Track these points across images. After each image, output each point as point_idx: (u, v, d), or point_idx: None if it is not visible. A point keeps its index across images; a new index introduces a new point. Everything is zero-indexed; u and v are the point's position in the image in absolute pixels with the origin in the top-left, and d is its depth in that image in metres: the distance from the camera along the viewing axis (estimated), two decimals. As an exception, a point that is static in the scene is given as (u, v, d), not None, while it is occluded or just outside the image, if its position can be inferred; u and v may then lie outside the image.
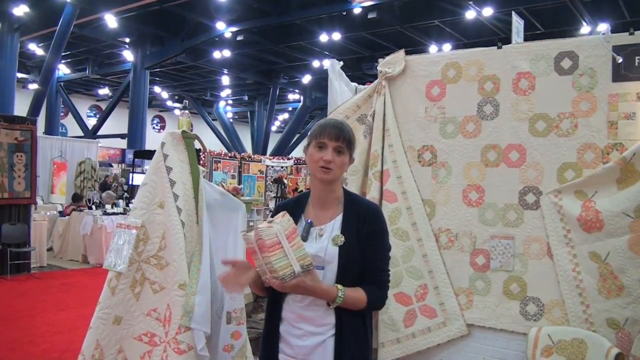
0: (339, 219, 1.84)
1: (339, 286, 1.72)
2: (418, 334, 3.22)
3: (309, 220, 1.86)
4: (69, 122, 22.99)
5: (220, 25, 13.43)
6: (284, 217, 1.72)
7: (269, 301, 1.88)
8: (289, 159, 14.81)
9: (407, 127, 3.43)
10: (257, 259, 1.68)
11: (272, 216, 1.97)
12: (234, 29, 13.53)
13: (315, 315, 1.77)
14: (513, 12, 3.49)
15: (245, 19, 13.27)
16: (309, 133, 1.88)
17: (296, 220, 1.88)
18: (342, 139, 1.79)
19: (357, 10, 11.98)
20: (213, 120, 26.50)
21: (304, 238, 1.82)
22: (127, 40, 16.21)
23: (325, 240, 1.80)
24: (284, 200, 2.15)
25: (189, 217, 2.54)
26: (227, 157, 12.54)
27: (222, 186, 2.84)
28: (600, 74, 2.87)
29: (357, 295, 1.74)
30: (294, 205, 1.95)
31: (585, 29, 11.41)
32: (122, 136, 18.79)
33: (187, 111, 3.02)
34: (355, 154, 1.92)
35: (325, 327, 1.77)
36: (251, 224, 10.97)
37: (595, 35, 3.03)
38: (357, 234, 1.79)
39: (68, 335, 5.17)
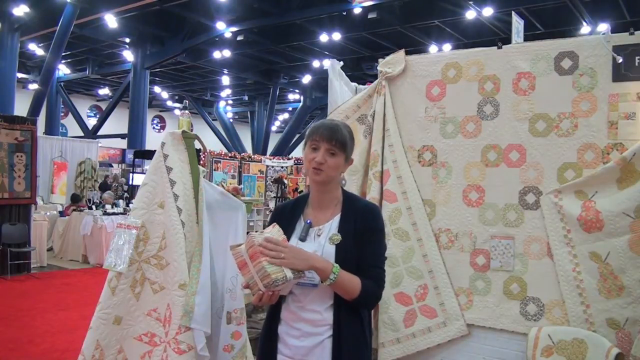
0: (336, 218, 1.85)
1: (335, 266, 1.72)
2: (418, 334, 3.22)
3: (309, 221, 1.87)
4: (69, 122, 22.99)
5: (220, 25, 13.43)
6: (274, 228, 1.76)
7: None
8: (289, 159, 14.80)
9: (407, 127, 3.43)
10: (246, 273, 1.68)
11: (272, 217, 1.98)
12: (234, 29, 13.53)
13: (313, 315, 1.78)
14: (513, 12, 3.49)
15: (245, 19, 13.27)
16: (306, 133, 1.88)
17: (295, 221, 1.90)
18: (335, 140, 1.78)
19: (357, 10, 11.98)
20: (213, 120, 26.50)
21: (303, 238, 1.84)
22: (127, 40, 16.21)
23: (323, 239, 1.81)
24: (283, 202, 2.16)
25: (189, 217, 2.54)
26: (227, 157, 12.53)
27: (222, 186, 2.84)
28: (601, 74, 2.87)
29: (352, 279, 1.73)
30: (293, 207, 1.96)
31: (585, 29, 11.41)
32: (122, 136, 18.80)
33: (187, 111, 3.02)
34: (355, 154, 1.92)
35: (323, 327, 1.77)
36: (251, 224, 10.98)
37: (595, 35, 3.03)
38: (354, 233, 1.80)
39: (68, 335, 5.17)
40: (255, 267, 1.65)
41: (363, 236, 1.80)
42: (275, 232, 1.73)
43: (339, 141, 1.78)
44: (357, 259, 1.78)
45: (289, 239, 1.84)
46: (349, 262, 1.76)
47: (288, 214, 1.94)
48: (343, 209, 1.86)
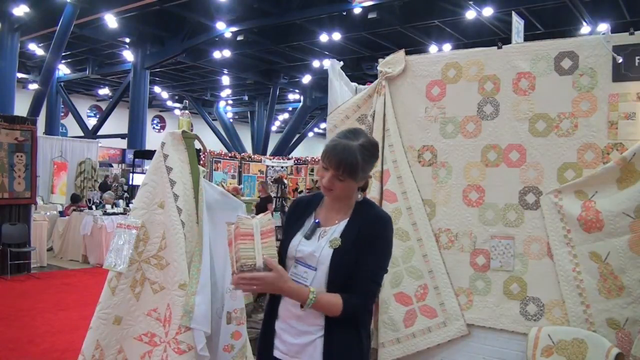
0: (343, 223, 1.83)
1: (312, 289, 1.70)
2: (418, 334, 3.22)
3: (317, 220, 1.86)
4: (69, 122, 22.98)
5: (220, 25, 13.43)
6: (265, 216, 1.75)
7: (269, 297, 1.90)
8: (289, 159, 14.80)
9: (407, 127, 3.43)
10: (230, 251, 1.71)
11: (290, 208, 2.01)
12: (234, 29, 13.53)
13: (305, 314, 1.77)
14: (513, 12, 3.49)
15: (245, 19, 13.27)
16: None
17: (306, 218, 1.90)
18: (342, 169, 1.72)
19: (357, 10, 11.98)
20: (213, 120, 26.50)
21: (308, 237, 1.83)
22: (127, 40, 16.21)
23: (324, 241, 1.80)
24: (302, 195, 2.14)
25: (189, 217, 2.54)
26: (227, 157, 12.54)
27: (222, 186, 2.84)
28: (601, 74, 2.87)
29: (332, 301, 1.71)
30: (308, 202, 1.95)
31: (585, 29, 11.41)
32: (122, 136, 18.80)
33: (187, 111, 3.01)
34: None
35: (315, 327, 1.77)
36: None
37: (595, 35, 3.03)
38: (355, 239, 1.77)
39: (68, 335, 5.17)
40: (235, 247, 1.69)
41: (365, 244, 1.77)
42: (265, 220, 1.74)
43: (346, 170, 1.72)
44: (354, 267, 1.75)
45: (294, 234, 1.85)
46: (343, 268, 1.74)
47: (302, 208, 1.94)
48: (352, 214, 1.84)
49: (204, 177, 2.69)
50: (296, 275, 1.80)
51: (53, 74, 15.32)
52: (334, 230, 1.82)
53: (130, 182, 14.11)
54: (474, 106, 3.21)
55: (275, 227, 1.80)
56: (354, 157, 1.72)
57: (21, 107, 14.23)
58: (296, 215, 1.93)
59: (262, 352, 1.88)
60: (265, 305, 1.93)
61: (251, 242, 1.68)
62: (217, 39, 14.81)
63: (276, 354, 1.82)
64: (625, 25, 7.17)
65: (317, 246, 1.80)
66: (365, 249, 1.77)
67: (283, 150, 21.86)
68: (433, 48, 13.55)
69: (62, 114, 22.31)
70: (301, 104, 22.10)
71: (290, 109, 26.44)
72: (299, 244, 1.83)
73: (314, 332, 1.76)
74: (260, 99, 24.53)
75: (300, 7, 12.51)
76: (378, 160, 3.34)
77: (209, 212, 2.60)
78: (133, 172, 14.31)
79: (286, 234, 1.92)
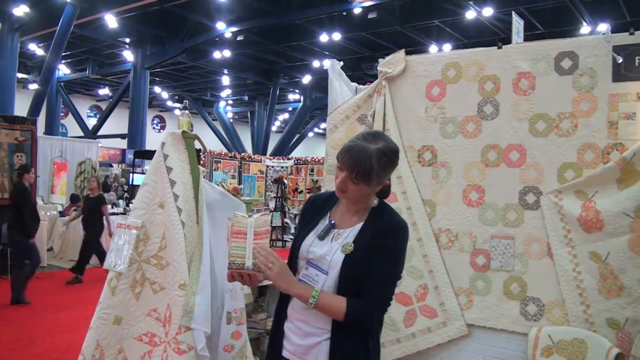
0: (358, 227, 1.79)
1: (315, 290, 1.69)
2: (418, 334, 3.22)
3: (333, 222, 1.83)
4: (69, 122, 23.00)
5: (220, 25, 13.45)
6: (262, 217, 1.75)
7: (279, 296, 1.89)
8: (289, 159, 14.81)
9: (407, 127, 3.43)
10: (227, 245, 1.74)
11: (304, 205, 1.99)
12: (234, 29, 13.55)
13: (312, 316, 1.76)
14: (513, 12, 3.49)
15: (245, 19, 13.28)
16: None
17: (321, 217, 1.88)
18: (356, 172, 1.68)
19: (357, 10, 11.99)
20: (213, 120, 26.51)
21: (321, 237, 1.81)
22: (127, 40, 16.22)
23: (337, 245, 1.77)
24: (319, 193, 2.09)
25: (189, 217, 2.54)
26: (227, 157, 12.56)
27: (222, 186, 2.84)
28: (601, 74, 2.87)
29: (335, 304, 1.68)
30: (325, 201, 1.92)
31: (585, 29, 11.42)
32: (122, 136, 18.81)
33: (187, 111, 3.01)
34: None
35: (322, 330, 1.75)
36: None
37: (595, 35, 3.03)
38: (368, 247, 1.73)
39: (68, 335, 5.17)
40: (228, 244, 1.71)
41: (377, 252, 1.72)
42: (261, 220, 1.73)
43: (359, 174, 1.68)
44: (364, 274, 1.71)
45: (307, 234, 1.84)
46: (354, 274, 1.71)
47: (318, 206, 1.91)
48: (367, 219, 1.79)
49: (204, 177, 2.69)
50: (307, 277, 1.77)
51: (53, 74, 15.33)
52: (348, 234, 1.78)
53: (131, 182, 14.12)
54: (474, 106, 3.21)
55: (274, 227, 1.81)
56: (369, 161, 1.67)
57: (21, 107, 14.24)
58: (311, 213, 1.90)
59: (271, 352, 1.88)
60: (275, 306, 1.92)
61: (243, 240, 1.68)
62: (217, 39, 14.82)
63: (284, 353, 1.82)
64: (625, 25, 7.17)
65: (330, 249, 1.77)
66: (377, 257, 1.72)
67: (283, 150, 21.87)
68: (433, 48, 13.56)
69: (62, 114, 22.31)
70: (301, 104, 22.11)
71: (290, 109, 26.45)
72: (311, 245, 1.80)
73: (319, 334, 1.75)
74: (260, 99, 24.55)
75: (300, 7, 12.52)
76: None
77: (209, 212, 2.60)
78: (133, 172, 14.31)
79: (299, 232, 1.90)
